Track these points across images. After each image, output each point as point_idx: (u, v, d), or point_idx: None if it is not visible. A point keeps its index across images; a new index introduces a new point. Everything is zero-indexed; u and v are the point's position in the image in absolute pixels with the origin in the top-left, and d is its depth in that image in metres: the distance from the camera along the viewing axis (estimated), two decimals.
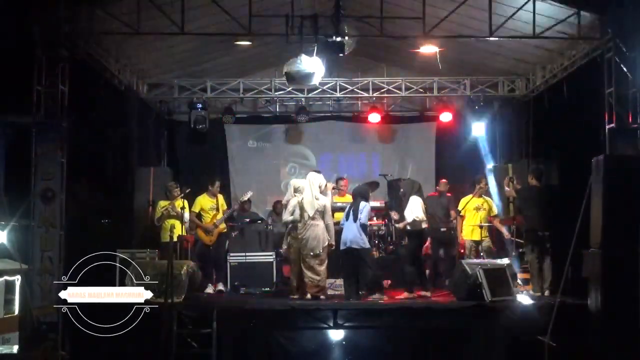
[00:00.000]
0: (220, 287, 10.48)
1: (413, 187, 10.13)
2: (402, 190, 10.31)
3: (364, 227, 9.54)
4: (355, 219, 9.44)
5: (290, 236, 9.54)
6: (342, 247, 9.52)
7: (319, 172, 9.94)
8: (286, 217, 9.60)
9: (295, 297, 9.49)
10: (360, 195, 9.79)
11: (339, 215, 10.09)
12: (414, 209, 9.75)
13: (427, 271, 10.38)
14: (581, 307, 8.21)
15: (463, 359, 8.88)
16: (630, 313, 7.49)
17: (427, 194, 10.87)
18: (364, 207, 9.57)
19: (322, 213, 9.44)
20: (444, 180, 11.33)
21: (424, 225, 9.83)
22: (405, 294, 9.57)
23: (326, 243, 9.43)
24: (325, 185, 9.83)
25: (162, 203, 10.50)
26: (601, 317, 7.62)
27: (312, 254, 9.31)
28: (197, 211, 10.49)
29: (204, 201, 10.56)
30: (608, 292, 7.61)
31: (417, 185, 10.30)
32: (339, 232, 9.72)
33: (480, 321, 8.84)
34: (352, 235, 9.42)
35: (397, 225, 10.31)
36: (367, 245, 9.65)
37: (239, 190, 13.11)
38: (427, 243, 10.54)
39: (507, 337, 8.67)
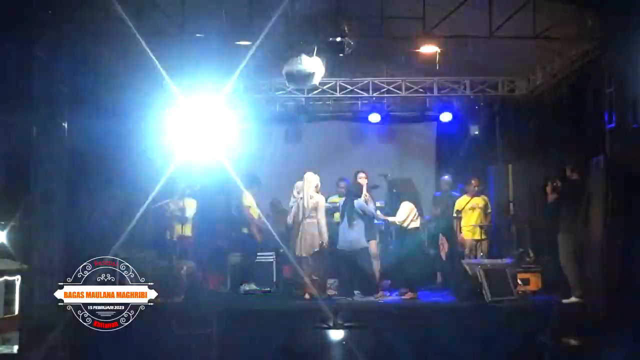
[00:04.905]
0: (254, 285, 10.46)
1: (409, 190, 10.11)
2: (394, 190, 10.29)
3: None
4: (369, 219, 9.57)
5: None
6: (349, 247, 9.52)
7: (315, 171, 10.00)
8: (289, 219, 9.76)
9: (303, 294, 9.52)
10: (356, 194, 9.81)
11: (339, 216, 10.08)
12: (399, 214, 9.76)
13: None
14: (581, 307, 8.22)
15: (463, 359, 8.88)
16: (630, 313, 7.50)
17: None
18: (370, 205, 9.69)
19: (316, 211, 9.48)
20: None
21: (413, 225, 9.83)
22: (410, 294, 9.54)
23: (322, 241, 9.44)
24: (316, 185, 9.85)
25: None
26: (601, 317, 7.62)
27: (310, 252, 9.32)
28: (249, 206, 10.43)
29: (250, 199, 10.51)
30: (608, 292, 7.61)
31: (413, 188, 10.27)
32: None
33: (480, 321, 8.85)
34: (361, 235, 9.52)
35: (387, 219, 10.26)
36: None
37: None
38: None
39: (507, 337, 8.68)
